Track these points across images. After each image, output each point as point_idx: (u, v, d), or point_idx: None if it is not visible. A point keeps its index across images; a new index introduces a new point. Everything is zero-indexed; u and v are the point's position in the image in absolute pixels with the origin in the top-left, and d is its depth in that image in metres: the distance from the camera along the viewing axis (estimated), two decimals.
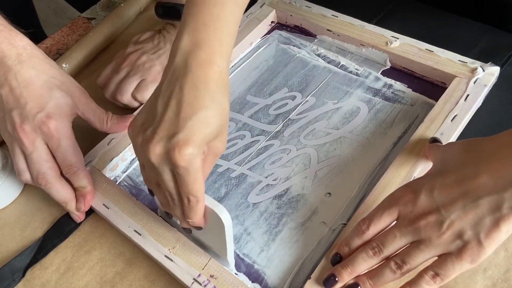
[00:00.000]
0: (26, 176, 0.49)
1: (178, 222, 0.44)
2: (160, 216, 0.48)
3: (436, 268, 0.38)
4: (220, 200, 0.52)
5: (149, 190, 0.44)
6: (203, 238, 0.46)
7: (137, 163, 0.56)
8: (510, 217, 0.36)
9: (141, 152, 0.39)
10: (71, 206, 0.50)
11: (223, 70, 0.40)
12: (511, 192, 0.36)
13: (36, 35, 0.50)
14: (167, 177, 0.39)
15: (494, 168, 0.38)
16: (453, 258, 0.37)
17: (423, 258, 0.38)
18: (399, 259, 0.39)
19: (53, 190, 0.48)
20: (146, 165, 0.40)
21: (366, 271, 0.41)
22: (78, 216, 0.51)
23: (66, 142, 0.48)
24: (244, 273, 0.46)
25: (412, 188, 0.40)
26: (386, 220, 0.40)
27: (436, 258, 0.38)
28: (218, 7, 0.40)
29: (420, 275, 0.38)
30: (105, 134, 0.56)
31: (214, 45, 0.40)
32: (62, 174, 0.49)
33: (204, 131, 0.38)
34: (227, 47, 0.41)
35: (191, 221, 0.41)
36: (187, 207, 0.40)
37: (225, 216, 0.41)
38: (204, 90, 0.38)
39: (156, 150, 0.37)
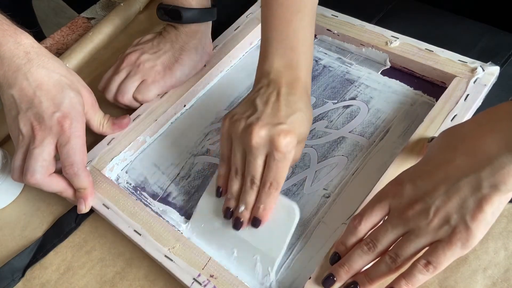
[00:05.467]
0: (17, 174, 0.48)
1: (240, 216, 0.45)
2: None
3: (428, 256, 0.38)
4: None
5: (218, 189, 0.47)
6: (252, 237, 0.45)
7: (136, 163, 0.56)
8: (491, 197, 0.36)
9: (243, 136, 0.43)
10: (67, 194, 0.50)
11: (308, 84, 0.48)
12: (489, 170, 0.36)
13: (35, 35, 0.50)
14: (259, 161, 0.43)
15: (471, 148, 0.38)
16: (443, 244, 0.37)
17: (415, 248, 0.38)
18: (393, 252, 0.39)
19: (43, 187, 0.48)
20: (238, 150, 0.44)
21: (363, 268, 0.41)
22: (81, 203, 0.50)
23: (76, 141, 0.48)
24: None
25: (399, 180, 0.41)
26: (377, 215, 0.41)
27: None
28: (301, 32, 0.47)
29: (413, 264, 0.38)
30: (104, 135, 0.56)
31: (301, 65, 0.47)
32: (61, 175, 0.49)
33: (300, 129, 0.44)
34: (309, 65, 0.48)
35: (261, 208, 0.44)
36: (266, 192, 0.44)
37: (297, 210, 0.44)
38: (298, 98, 0.45)
39: (261, 133, 0.42)
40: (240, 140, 0.44)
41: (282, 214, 0.44)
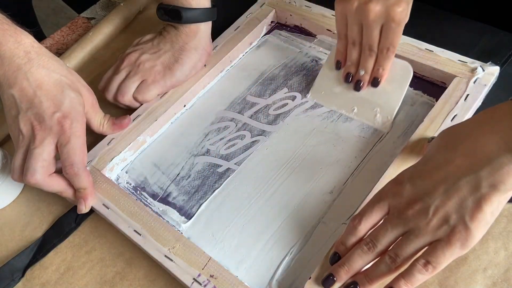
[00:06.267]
0: (17, 174, 0.48)
1: (360, 75, 0.54)
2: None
3: (427, 256, 0.38)
4: (220, 199, 0.52)
5: (337, 62, 0.56)
6: (372, 95, 0.54)
7: (136, 163, 0.56)
8: (490, 197, 0.36)
9: (359, 13, 0.50)
10: (67, 194, 0.50)
11: None
12: (488, 170, 0.36)
13: (35, 35, 0.50)
14: (376, 31, 0.51)
15: (470, 148, 0.38)
16: (442, 244, 0.37)
17: (414, 248, 0.38)
18: (392, 252, 0.39)
19: (43, 187, 0.48)
20: (355, 26, 0.51)
21: (363, 268, 0.41)
22: (81, 204, 0.50)
23: (76, 141, 0.48)
24: (244, 270, 0.46)
25: (398, 180, 0.41)
26: (377, 214, 0.41)
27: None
28: None
29: (413, 264, 0.38)
30: (104, 135, 0.56)
31: None
32: (61, 175, 0.49)
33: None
34: None
35: (381, 70, 0.52)
36: (384, 56, 0.52)
37: (410, 67, 0.53)
38: None
39: (377, 8, 0.49)
40: (356, 16, 0.50)
41: (397, 73, 0.53)
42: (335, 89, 0.56)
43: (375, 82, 0.53)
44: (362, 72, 0.54)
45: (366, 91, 0.54)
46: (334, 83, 0.56)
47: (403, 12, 0.49)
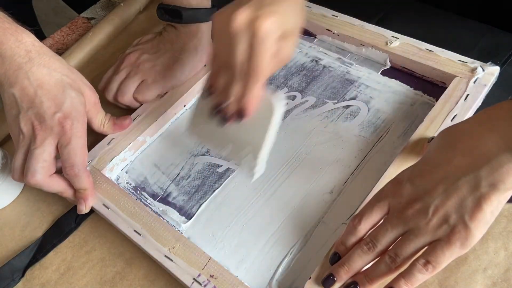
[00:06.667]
0: (17, 175, 0.48)
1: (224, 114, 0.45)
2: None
3: (427, 255, 0.38)
4: (220, 199, 0.52)
5: (207, 88, 0.45)
6: (242, 133, 0.46)
7: (136, 163, 0.56)
8: (490, 196, 0.36)
9: (225, 22, 0.40)
10: (67, 194, 0.50)
11: None
12: (487, 169, 0.36)
13: (35, 34, 0.50)
14: (240, 48, 0.40)
15: (470, 147, 0.38)
16: (442, 244, 0.37)
17: (414, 247, 0.38)
18: (392, 252, 0.39)
19: (44, 187, 0.48)
20: (223, 41, 0.41)
21: (363, 268, 0.41)
22: (82, 204, 0.50)
23: (76, 141, 0.48)
24: (244, 270, 0.46)
25: (398, 180, 0.41)
26: (377, 214, 0.41)
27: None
28: None
29: (413, 264, 0.38)
30: (105, 135, 0.56)
31: None
32: (61, 175, 0.49)
33: (287, 15, 0.41)
34: None
35: (245, 100, 0.42)
36: (246, 83, 0.41)
37: (279, 104, 0.44)
38: None
39: (242, 16, 0.39)
40: (224, 28, 0.41)
41: (264, 108, 0.44)
42: (210, 124, 0.48)
43: (240, 114, 0.44)
44: (228, 102, 0.44)
45: (237, 127, 0.46)
46: (209, 116, 0.47)
47: (271, 27, 0.39)
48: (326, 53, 0.63)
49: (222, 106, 0.44)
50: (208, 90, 0.46)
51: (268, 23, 0.38)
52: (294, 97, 0.59)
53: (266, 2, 0.40)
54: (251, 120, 0.44)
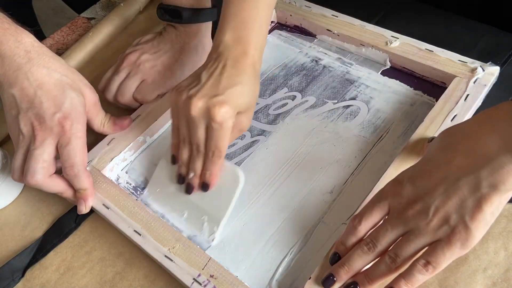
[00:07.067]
0: (17, 175, 0.48)
1: (190, 177, 0.49)
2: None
3: (427, 256, 0.38)
4: None
5: (172, 157, 0.51)
6: (201, 201, 0.50)
7: (136, 163, 0.56)
8: (491, 197, 0.36)
9: (184, 107, 0.46)
10: (67, 195, 0.50)
11: (256, 60, 0.48)
12: (488, 170, 0.36)
13: (35, 35, 0.50)
14: (201, 130, 0.46)
15: (470, 148, 0.38)
16: (442, 244, 0.37)
17: (415, 248, 0.38)
18: (393, 252, 0.39)
19: (44, 187, 0.48)
20: (183, 120, 0.47)
21: (363, 268, 0.41)
22: (82, 204, 0.50)
23: (76, 142, 0.48)
24: (244, 270, 0.46)
25: (398, 180, 0.41)
26: (377, 215, 0.41)
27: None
28: (254, 10, 0.48)
29: (413, 264, 0.38)
30: (105, 134, 0.56)
31: (250, 41, 0.47)
32: (61, 175, 0.49)
33: (238, 100, 0.46)
34: (261, 43, 0.49)
35: (208, 174, 0.48)
36: (210, 160, 0.47)
37: (242, 177, 0.48)
38: (241, 71, 0.47)
39: (198, 104, 0.45)
40: (183, 111, 0.46)
41: (228, 179, 0.48)
42: (170, 187, 0.52)
43: (203, 187, 0.49)
44: (191, 174, 0.49)
45: (198, 195, 0.50)
46: (170, 180, 0.52)
47: (225, 114, 0.44)
48: (326, 53, 0.63)
49: (187, 177, 0.50)
50: (173, 158, 0.51)
51: (222, 111, 0.44)
52: (294, 97, 0.59)
53: (220, 87, 0.45)
54: (217, 187, 0.49)
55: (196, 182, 0.49)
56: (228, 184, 0.48)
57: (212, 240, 0.48)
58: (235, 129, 0.47)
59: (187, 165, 0.49)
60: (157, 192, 0.52)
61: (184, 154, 0.49)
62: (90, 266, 0.49)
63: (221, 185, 0.49)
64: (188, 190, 0.50)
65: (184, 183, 0.50)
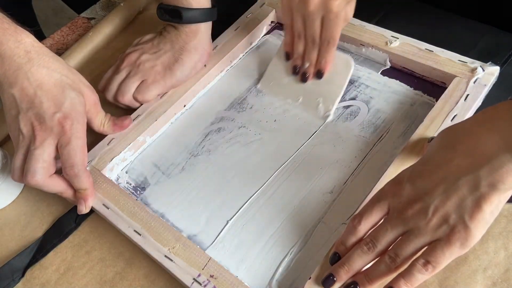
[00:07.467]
0: (17, 175, 0.48)
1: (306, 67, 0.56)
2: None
3: (427, 255, 0.38)
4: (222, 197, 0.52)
5: (286, 54, 0.58)
6: (316, 86, 0.57)
7: (136, 163, 0.56)
8: (490, 196, 0.36)
9: (299, 4, 0.51)
10: (67, 195, 0.50)
11: None
12: (487, 169, 0.36)
13: (35, 34, 0.50)
14: (317, 23, 0.52)
15: (470, 147, 0.38)
16: (442, 244, 0.37)
17: (414, 247, 0.38)
18: (392, 252, 0.39)
19: (44, 188, 0.48)
20: (298, 17, 0.52)
21: (363, 268, 0.41)
22: (82, 204, 0.50)
23: (76, 142, 0.48)
24: (244, 270, 0.46)
25: (398, 180, 0.41)
26: (377, 215, 0.41)
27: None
28: None
29: (412, 264, 0.38)
30: (105, 134, 0.56)
31: None
32: (61, 175, 0.49)
33: None
34: None
35: (323, 62, 0.54)
36: (325, 48, 0.53)
37: (352, 60, 0.55)
38: None
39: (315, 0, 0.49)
40: (299, 8, 0.52)
41: (340, 64, 0.55)
42: (284, 80, 0.59)
43: (318, 74, 0.56)
44: (307, 64, 0.56)
45: (312, 82, 0.57)
46: (283, 74, 0.59)
47: (340, 4, 0.49)
48: None
49: (302, 67, 0.57)
50: (286, 55, 0.58)
51: (337, 2, 0.49)
52: None
53: None
54: (330, 73, 0.56)
55: (311, 70, 0.56)
56: (340, 68, 0.55)
57: (327, 116, 0.55)
58: (343, 20, 0.51)
59: (302, 57, 0.56)
60: (270, 85, 0.59)
61: (300, 48, 0.55)
62: (90, 266, 0.49)
63: (332, 71, 0.55)
64: (304, 78, 0.56)
65: (298, 73, 0.57)
